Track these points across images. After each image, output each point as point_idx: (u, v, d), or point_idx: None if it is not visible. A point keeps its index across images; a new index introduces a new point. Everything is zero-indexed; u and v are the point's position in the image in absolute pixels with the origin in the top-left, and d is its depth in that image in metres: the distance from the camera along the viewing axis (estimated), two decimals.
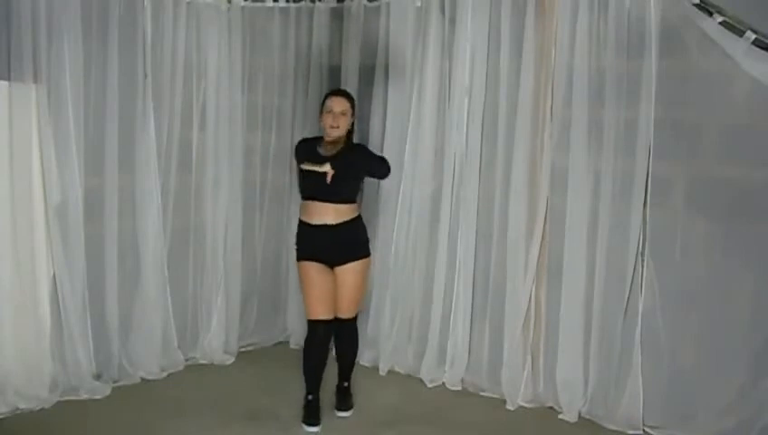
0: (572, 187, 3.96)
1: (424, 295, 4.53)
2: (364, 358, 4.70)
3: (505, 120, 4.19)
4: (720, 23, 3.43)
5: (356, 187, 3.88)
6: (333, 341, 3.93)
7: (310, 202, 3.74)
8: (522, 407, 4.08)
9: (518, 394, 4.10)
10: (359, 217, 3.83)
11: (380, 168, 3.82)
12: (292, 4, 4.96)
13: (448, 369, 4.41)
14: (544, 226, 4.08)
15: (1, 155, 3.75)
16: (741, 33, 3.37)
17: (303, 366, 3.80)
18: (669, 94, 3.69)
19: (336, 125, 3.72)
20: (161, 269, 4.42)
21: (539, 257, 4.10)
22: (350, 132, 3.86)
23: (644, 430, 3.74)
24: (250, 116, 4.84)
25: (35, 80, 3.79)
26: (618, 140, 3.82)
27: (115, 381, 4.15)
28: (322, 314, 3.72)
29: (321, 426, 3.73)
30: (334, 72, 4.91)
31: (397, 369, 4.58)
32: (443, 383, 4.39)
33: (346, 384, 4.03)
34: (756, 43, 3.34)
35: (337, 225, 3.71)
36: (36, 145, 3.86)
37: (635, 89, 3.74)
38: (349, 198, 3.78)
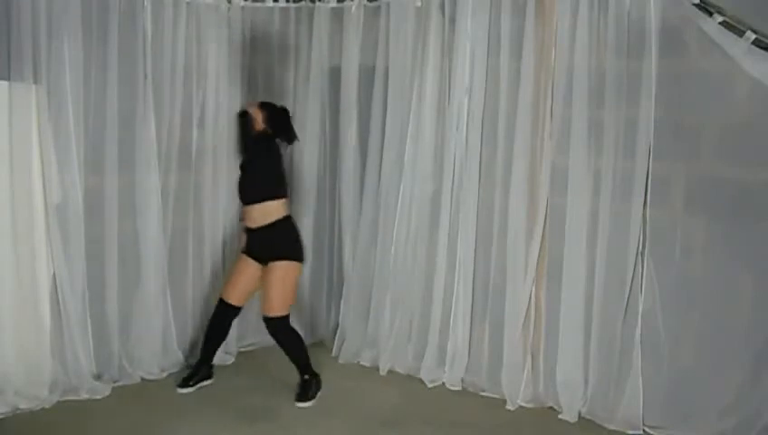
0: (572, 187, 3.96)
1: (424, 295, 4.53)
2: (364, 358, 4.70)
3: (505, 120, 4.19)
4: (720, 23, 3.43)
5: (264, 184, 4.05)
6: None
7: (244, 206, 4.14)
8: (522, 407, 4.08)
9: (518, 394, 4.10)
10: (285, 220, 4.07)
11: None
12: (292, 4, 4.96)
13: (448, 369, 4.41)
14: (544, 226, 4.08)
15: (1, 155, 3.75)
16: (741, 33, 3.37)
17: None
18: (669, 94, 3.68)
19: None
20: (161, 269, 4.42)
21: (539, 257, 4.10)
22: (274, 128, 4.09)
23: (644, 430, 3.74)
24: None
25: (35, 80, 3.80)
26: (618, 140, 3.82)
27: (115, 381, 4.15)
28: (228, 296, 4.18)
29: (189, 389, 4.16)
30: (334, 72, 4.91)
31: (397, 369, 4.58)
32: (443, 383, 4.39)
33: (306, 377, 4.14)
34: (756, 43, 3.34)
35: (258, 228, 4.03)
36: (36, 145, 3.86)
37: (635, 89, 3.74)
38: (263, 196, 4.01)
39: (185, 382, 4.19)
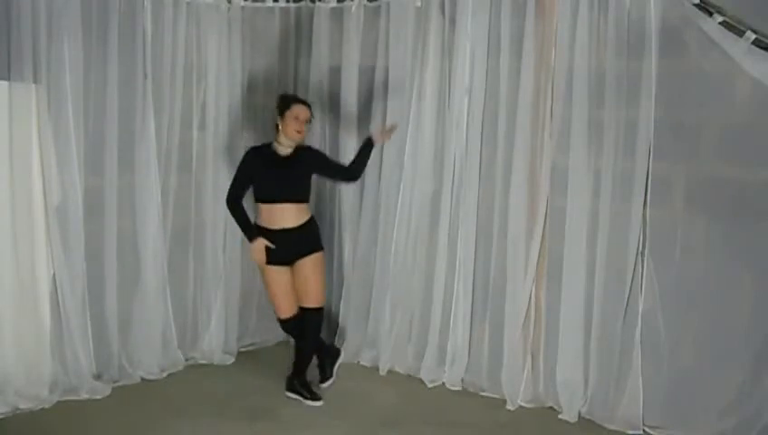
0: (572, 187, 3.96)
1: (424, 295, 4.53)
2: (364, 358, 4.70)
3: (505, 120, 4.19)
4: (720, 23, 3.43)
5: (309, 187, 4.19)
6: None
7: (269, 205, 4.02)
8: (522, 407, 4.08)
9: (518, 394, 4.10)
10: (312, 218, 4.18)
11: (343, 171, 4.28)
12: (291, 5, 4.96)
13: (448, 369, 4.41)
14: (544, 226, 4.08)
15: (1, 155, 3.75)
16: (741, 33, 3.37)
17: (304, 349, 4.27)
18: (669, 94, 3.68)
19: (301, 131, 4.04)
20: (161, 269, 4.42)
21: (539, 257, 4.09)
22: None
23: (644, 430, 3.74)
24: (250, 116, 4.84)
25: (35, 80, 3.80)
26: (618, 140, 3.82)
27: (115, 381, 4.15)
28: (290, 311, 4.12)
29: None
30: (334, 72, 4.91)
31: (397, 369, 4.58)
32: (443, 383, 4.39)
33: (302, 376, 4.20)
34: (756, 43, 3.34)
35: (293, 228, 4.03)
36: (36, 145, 3.86)
37: (635, 89, 3.74)
38: (304, 198, 4.13)
39: (323, 379, 4.33)
